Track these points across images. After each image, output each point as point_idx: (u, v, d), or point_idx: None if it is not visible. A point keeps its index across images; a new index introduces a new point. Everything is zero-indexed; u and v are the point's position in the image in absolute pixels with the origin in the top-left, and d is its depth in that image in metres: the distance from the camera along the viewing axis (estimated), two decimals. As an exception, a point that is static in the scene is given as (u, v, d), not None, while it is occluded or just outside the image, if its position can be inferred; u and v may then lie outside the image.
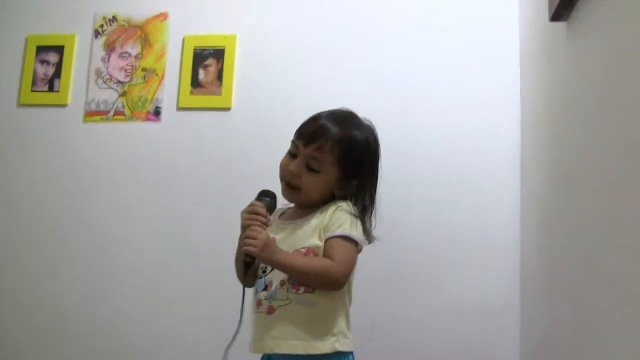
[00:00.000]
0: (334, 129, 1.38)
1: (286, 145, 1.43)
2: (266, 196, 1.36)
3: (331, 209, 1.38)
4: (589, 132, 1.35)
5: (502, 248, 1.96)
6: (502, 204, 1.98)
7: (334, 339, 1.35)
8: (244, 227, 1.30)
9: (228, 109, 2.14)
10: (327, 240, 1.34)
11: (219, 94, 2.14)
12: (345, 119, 1.43)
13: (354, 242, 1.35)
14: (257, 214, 1.31)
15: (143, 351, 2.09)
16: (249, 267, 1.31)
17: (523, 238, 1.94)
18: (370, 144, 1.44)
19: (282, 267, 1.32)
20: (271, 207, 1.36)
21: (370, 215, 1.43)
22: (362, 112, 2.03)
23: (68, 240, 2.19)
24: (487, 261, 1.97)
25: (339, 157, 1.38)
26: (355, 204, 1.41)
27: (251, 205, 1.34)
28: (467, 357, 1.92)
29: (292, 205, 1.48)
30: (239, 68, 2.16)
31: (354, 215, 1.38)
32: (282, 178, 1.41)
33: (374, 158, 1.45)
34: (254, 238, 1.26)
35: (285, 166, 1.40)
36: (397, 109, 2.08)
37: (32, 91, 2.28)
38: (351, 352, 1.38)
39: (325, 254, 1.33)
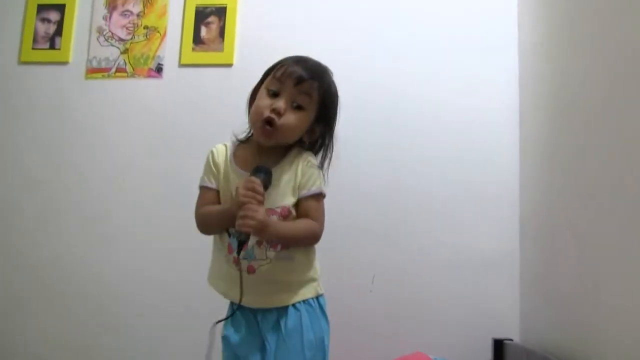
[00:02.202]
0: (322, 73, 1.45)
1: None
2: (261, 172, 1.34)
3: (300, 165, 1.42)
4: (592, 68, 1.37)
5: (501, 198, 1.99)
6: (500, 153, 2.01)
7: (315, 283, 1.44)
8: (240, 204, 1.28)
9: (230, 65, 2.15)
10: (303, 200, 1.40)
11: (221, 50, 2.16)
12: (324, 67, 1.49)
13: (323, 196, 1.44)
14: (254, 191, 1.29)
15: (141, 304, 2.10)
16: (243, 245, 1.29)
17: (522, 187, 1.97)
18: (338, 97, 1.51)
19: (277, 240, 1.36)
20: (267, 184, 1.34)
21: (328, 160, 1.51)
22: (360, 68, 2.10)
23: (68, 198, 2.19)
24: (486, 212, 1.99)
25: (321, 98, 1.43)
26: (315, 150, 1.49)
27: (249, 181, 1.31)
28: (467, 308, 1.95)
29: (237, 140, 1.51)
30: (241, 25, 2.18)
31: (319, 168, 1.45)
32: (257, 121, 1.40)
33: (337, 109, 1.52)
34: (251, 218, 1.27)
35: (266, 106, 1.38)
36: (395, 62, 2.11)
37: (33, 49, 2.28)
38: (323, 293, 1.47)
39: (304, 213, 1.39)
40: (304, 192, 1.39)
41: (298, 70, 1.40)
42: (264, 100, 1.41)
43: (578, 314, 1.41)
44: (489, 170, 2.01)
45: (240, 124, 2.09)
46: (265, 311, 1.38)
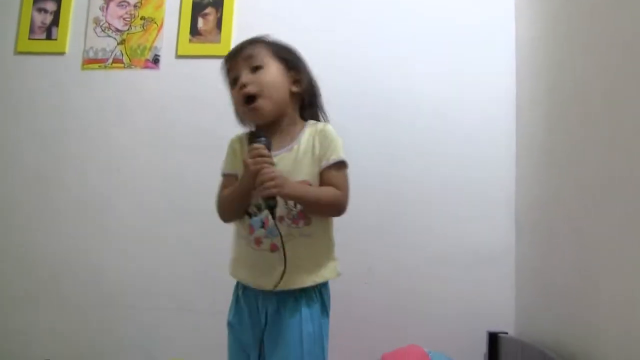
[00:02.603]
0: (252, 39, 1.48)
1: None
2: (259, 136, 1.35)
3: (317, 137, 1.40)
4: (590, 63, 1.37)
5: (497, 192, 1.99)
6: (496, 148, 2.01)
7: (335, 263, 1.43)
8: (254, 173, 1.29)
9: (227, 56, 2.14)
10: (324, 171, 1.38)
11: (218, 42, 2.15)
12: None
13: (346, 165, 1.41)
14: (263, 155, 1.30)
15: (141, 300, 2.10)
16: (274, 210, 1.31)
17: (518, 182, 1.97)
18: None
19: (300, 199, 1.34)
20: (269, 145, 1.35)
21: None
22: (358, 61, 2.10)
23: (65, 189, 2.19)
24: (482, 208, 1.99)
25: (272, 51, 1.44)
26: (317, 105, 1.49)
27: (253, 149, 1.32)
28: (462, 301, 1.95)
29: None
30: (238, 16, 2.17)
31: (334, 133, 1.43)
32: (241, 107, 1.43)
33: (298, 53, 1.51)
34: (270, 180, 1.27)
35: (237, 93, 1.41)
36: (390, 56, 2.10)
37: (30, 39, 2.27)
38: None
39: (327, 182, 1.37)
40: (324, 163, 1.38)
41: (232, 50, 1.48)
42: (233, 93, 1.44)
43: (574, 308, 1.41)
44: (484, 165, 2.01)
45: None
46: (266, 299, 1.36)
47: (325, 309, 1.41)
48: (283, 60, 1.44)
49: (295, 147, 1.39)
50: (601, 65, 1.28)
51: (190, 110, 2.16)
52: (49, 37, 2.26)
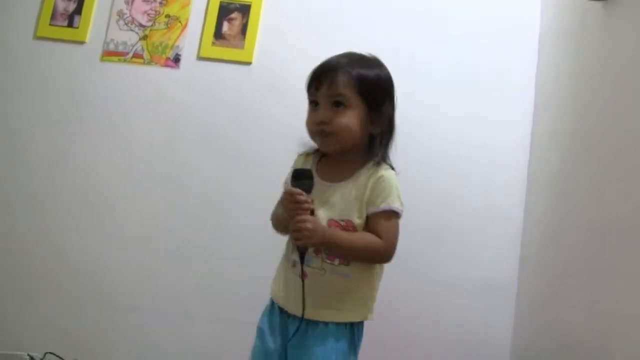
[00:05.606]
0: (341, 61, 1.36)
1: (303, 106, 1.40)
2: (302, 176, 1.30)
3: (371, 180, 1.33)
4: (612, 105, 1.39)
5: (505, 227, 2.01)
6: (507, 182, 2.03)
7: (366, 308, 1.36)
8: (289, 216, 1.27)
9: (249, 63, 2.15)
10: (371, 216, 1.31)
11: (242, 47, 2.15)
12: (349, 54, 1.39)
13: (398, 214, 1.34)
14: (297, 202, 1.26)
15: (139, 300, 2.08)
16: (304, 255, 1.28)
17: (526, 216, 1.98)
18: (382, 69, 1.40)
19: (334, 249, 1.30)
20: (310, 187, 1.29)
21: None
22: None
23: (71, 181, 2.16)
24: (488, 239, 2.01)
25: (357, 85, 1.33)
26: (387, 145, 1.41)
27: (288, 193, 1.28)
28: (459, 331, 1.96)
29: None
30: (264, 25, 2.17)
31: (395, 182, 1.35)
32: (314, 135, 1.37)
33: (390, 84, 1.41)
34: (299, 231, 1.24)
35: (313, 120, 1.35)
36: (413, 85, 2.09)
37: (51, 25, 2.25)
38: None
39: (372, 230, 1.31)
40: (372, 209, 1.31)
41: (316, 71, 1.36)
42: (309, 116, 1.38)
43: (580, 344, 1.41)
44: (494, 195, 2.03)
45: (252, 123, 2.13)
46: (296, 319, 1.32)
47: (353, 347, 1.34)
48: (368, 100, 1.35)
49: (350, 185, 1.35)
50: (624, 105, 1.31)
51: (207, 113, 2.15)
52: (70, 24, 2.24)
